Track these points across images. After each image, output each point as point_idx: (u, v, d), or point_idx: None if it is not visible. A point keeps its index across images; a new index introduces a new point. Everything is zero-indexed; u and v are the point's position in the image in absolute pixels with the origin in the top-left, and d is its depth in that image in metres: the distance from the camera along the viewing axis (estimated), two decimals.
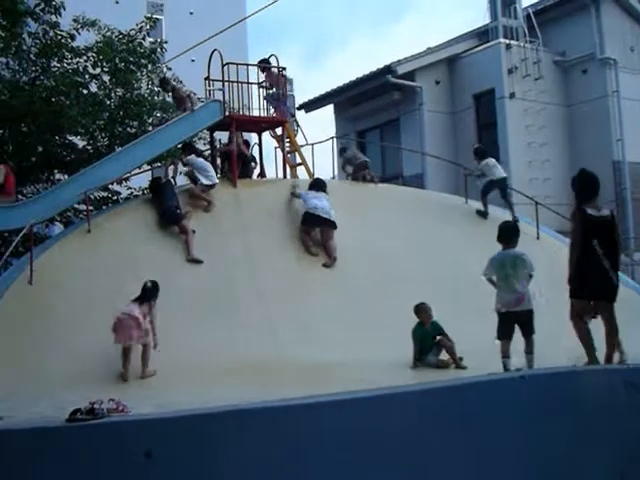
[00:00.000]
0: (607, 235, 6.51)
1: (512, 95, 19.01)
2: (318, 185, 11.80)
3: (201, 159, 12.15)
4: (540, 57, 19.41)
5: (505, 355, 7.13)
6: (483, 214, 12.86)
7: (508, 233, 7.57)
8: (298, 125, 14.89)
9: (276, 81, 13.31)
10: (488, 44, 19.95)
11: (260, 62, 13.57)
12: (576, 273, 6.51)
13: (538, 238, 12.59)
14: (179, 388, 7.05)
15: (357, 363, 8.27)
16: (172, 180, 11.98)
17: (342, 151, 14.44)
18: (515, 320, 7.22)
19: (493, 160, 13.19)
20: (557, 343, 7.67)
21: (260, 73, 13.59)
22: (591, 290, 6.55)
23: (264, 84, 13.44)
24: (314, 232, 11.31)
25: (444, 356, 8.69)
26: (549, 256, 12.05)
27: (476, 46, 20.45)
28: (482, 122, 19.87)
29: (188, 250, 10.60)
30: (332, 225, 11.23)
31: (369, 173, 13.58)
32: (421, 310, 8.82)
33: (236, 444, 4.34)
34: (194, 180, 11.86)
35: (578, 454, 5.11)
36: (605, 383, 5.57)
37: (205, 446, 4.28)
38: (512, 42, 19.53)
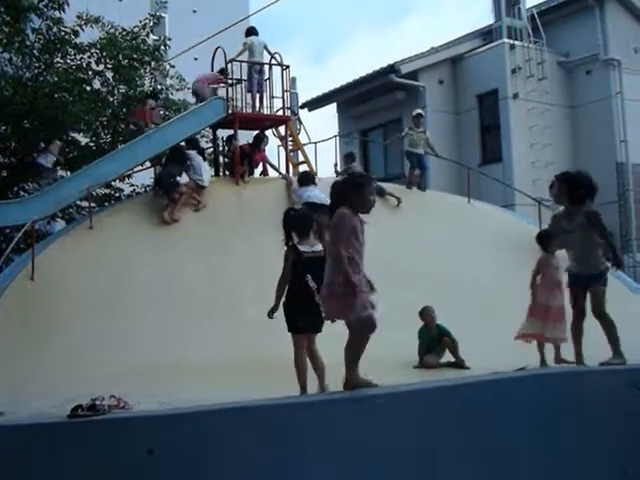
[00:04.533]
0: (320, 269, 6.43)
1: (515, 95, 19.02)
2: (305, 179, 11.91)
3: (200, 159, 12.07)
4: (544, 58, 19.39)
5: None
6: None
7: None
8: (301, 123, 14.88)
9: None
10: (492, 44, 19.94)
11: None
12: (291, 308, 6.63)
13: None
14: (181, 385, 7.03)
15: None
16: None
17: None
18: None
19: None
20: None
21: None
22: (307, 324, 6.69)
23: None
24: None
25: (448, 358, 8.67)
26: None
27: (480, 46, 20.45)
28: (485, 122, 19.87)
29: (171, 210, 10.89)
30: (326, 209, 11.27)
31: None
32: (424, 313, 8.85)
33: (237, 441, 4.33)
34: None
35: (583, 455, 5.10)
36: (609, 384, 5.56)
37: (206, 443, 4.26)
38: (516, 42, 19.54)
